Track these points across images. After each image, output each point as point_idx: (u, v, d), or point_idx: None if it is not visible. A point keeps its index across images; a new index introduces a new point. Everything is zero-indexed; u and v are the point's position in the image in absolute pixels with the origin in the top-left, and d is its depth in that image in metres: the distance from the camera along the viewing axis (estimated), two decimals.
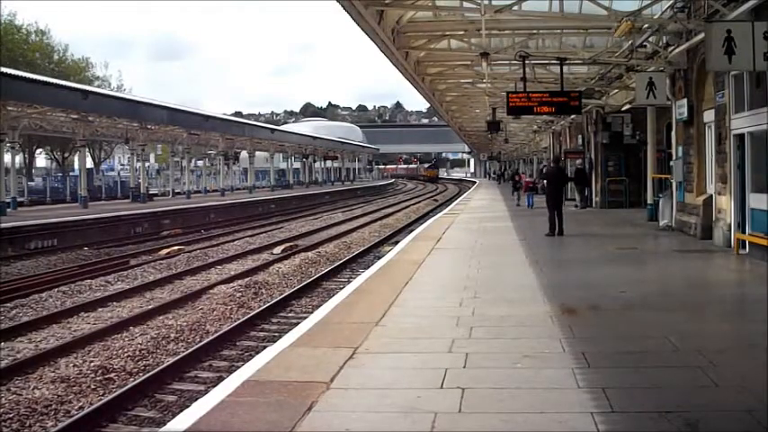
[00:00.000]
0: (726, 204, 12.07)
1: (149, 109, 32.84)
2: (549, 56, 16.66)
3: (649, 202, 18.21)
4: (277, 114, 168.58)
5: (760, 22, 9.45)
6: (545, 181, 17.64)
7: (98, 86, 44.86)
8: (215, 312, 10.81)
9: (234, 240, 21.57)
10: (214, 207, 32.89)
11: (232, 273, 14.58)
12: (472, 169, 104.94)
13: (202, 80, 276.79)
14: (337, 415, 4.31)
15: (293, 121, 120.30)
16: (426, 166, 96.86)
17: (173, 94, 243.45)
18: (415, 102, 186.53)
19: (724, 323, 7.01)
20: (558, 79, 15.16)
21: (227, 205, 34.51)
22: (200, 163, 64.28)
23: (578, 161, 26.36)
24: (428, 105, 58.94)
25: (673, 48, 14.07)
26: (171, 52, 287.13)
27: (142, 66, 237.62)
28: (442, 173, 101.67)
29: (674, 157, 15.67)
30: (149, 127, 34.60)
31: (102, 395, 7.15)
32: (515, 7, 13.24)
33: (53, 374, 7.69)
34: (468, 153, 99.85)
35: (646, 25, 13.42)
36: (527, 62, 15.02)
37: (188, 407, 5.10)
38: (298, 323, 7.58)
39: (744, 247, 11.12)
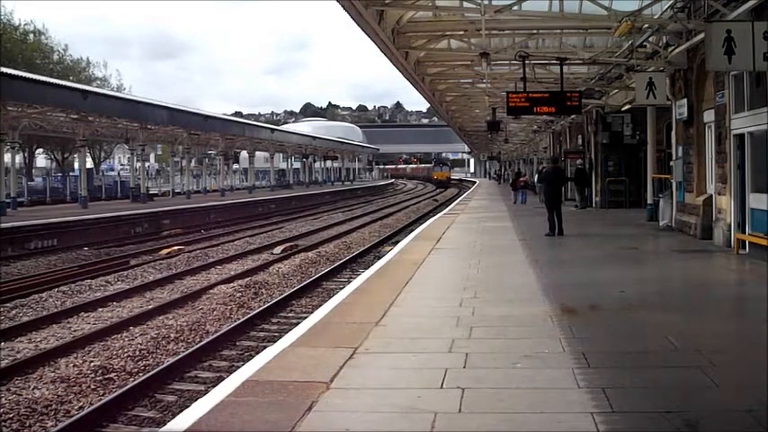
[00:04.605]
0: (726, 204, 12.07)
1: (149, 109, 32.82)
2: (548, 56, 16.64)
3: (649, 202, 18.21)
4: (277, 114, 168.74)
5: (760, 22, 9.45)
6: (542, 182, 17.58)
7: (97, 86, 44.76)
8: (215, 312, 10.81)
9: (234, 240, 21.56)
10: (214, 207, 32.88)
11: (232, 273, 14.58)
12: (472, 169, 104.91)
13: (201, 80, 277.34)
14: (337, 415, 4.31)
15: (293, 121, 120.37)
16: (434, 164, 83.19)
17: (170, 94, 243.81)
18: (415, 102, 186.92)
19: (724, 323, 7.00)
20: (558, 79, 15.16)
21: (227, 205, 34.50)
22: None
23: (578, 161, 26.36)
24: (428, 105, 58.86)
25: (673, 48, 14.06)
26: (168, 52, 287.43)
27: (138, 65, 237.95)
28: None
29: (674, 157, 15.67)
30: (149, 127, 34.59)
31: (102, 395, 7.15)
32: (515, 7, 13.23)
33: (53, 374, 7.69)
34: (468, 153, 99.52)
35: (646, 25, 13.41)
36: (527, 62, 15.02)
37: (188, 407, 5.09)
38: (298, 323, 7.58)
39: (744, 247, 11.12)
